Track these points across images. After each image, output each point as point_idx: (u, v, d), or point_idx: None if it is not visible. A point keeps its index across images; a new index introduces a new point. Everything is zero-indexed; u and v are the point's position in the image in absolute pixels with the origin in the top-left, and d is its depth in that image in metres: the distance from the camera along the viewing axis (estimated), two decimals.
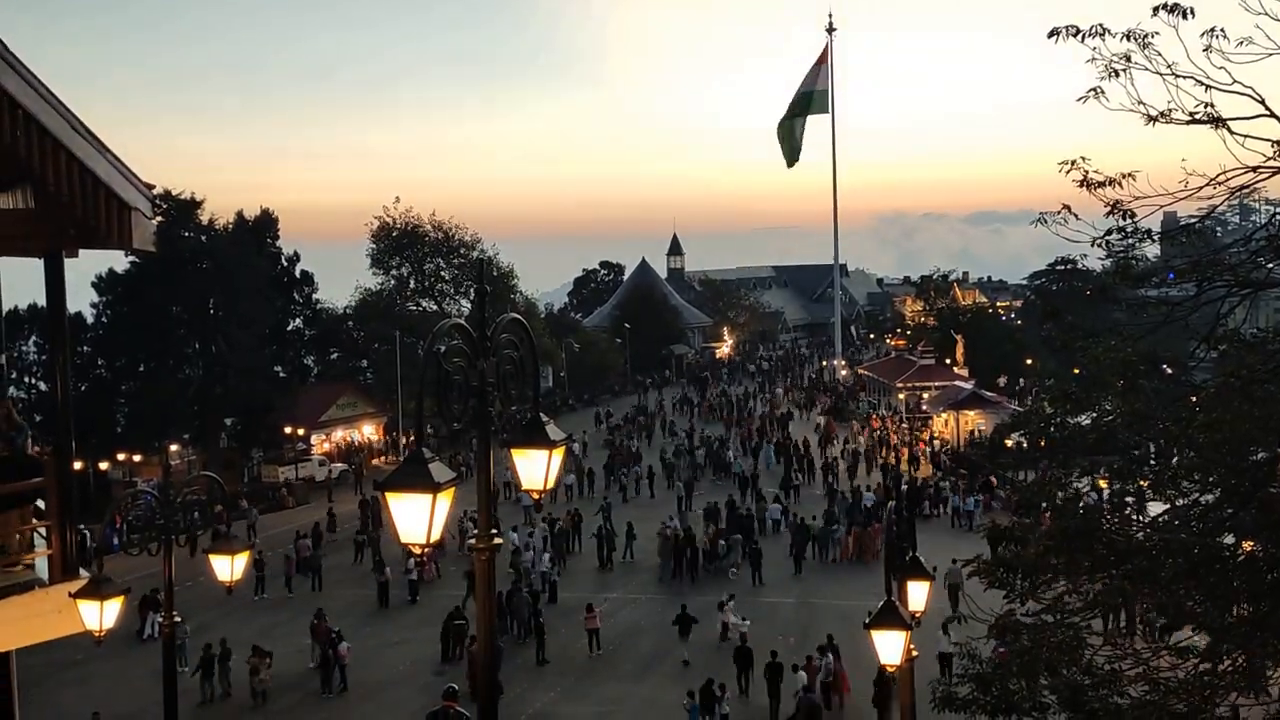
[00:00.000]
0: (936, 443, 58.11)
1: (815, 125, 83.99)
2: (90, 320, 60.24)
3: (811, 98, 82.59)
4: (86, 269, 61.01)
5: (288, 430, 61.12)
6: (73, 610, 10.70)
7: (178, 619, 13.24)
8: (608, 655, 29.58)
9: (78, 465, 13.11)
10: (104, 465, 54.20)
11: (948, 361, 69.45)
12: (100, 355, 60.33)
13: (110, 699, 27.39)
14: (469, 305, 70.73)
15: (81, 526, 12.61)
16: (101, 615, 10.86)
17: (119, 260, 58.11)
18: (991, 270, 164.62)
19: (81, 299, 58.90)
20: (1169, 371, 13.96)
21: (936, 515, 43.45)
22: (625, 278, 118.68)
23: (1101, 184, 10.95)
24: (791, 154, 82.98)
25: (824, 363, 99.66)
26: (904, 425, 61.72)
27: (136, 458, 55.48)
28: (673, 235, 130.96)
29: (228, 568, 12.62)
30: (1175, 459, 12.96)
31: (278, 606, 35.59)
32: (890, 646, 12.48)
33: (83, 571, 11.05)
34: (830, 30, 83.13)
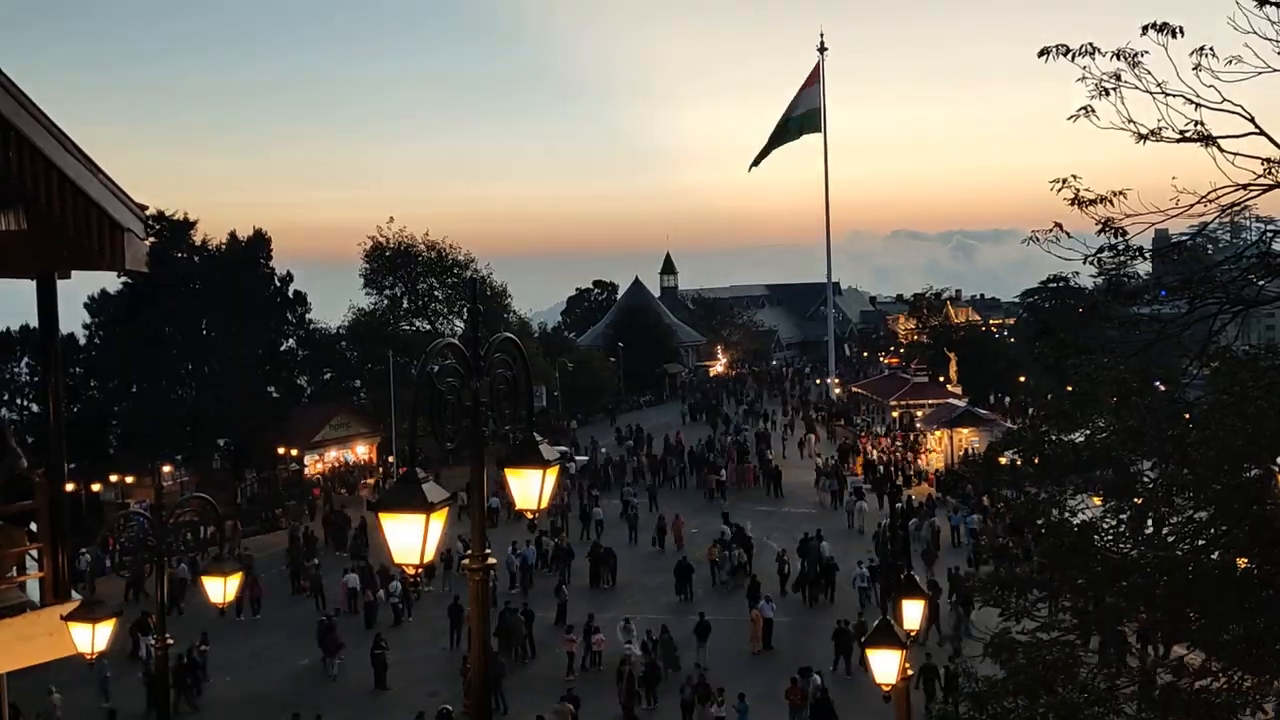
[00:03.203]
0: (932, 458, 58.17)
1: (806, 144, 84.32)
2: (83, 341, 60.12)
3: (803, 120, 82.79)
4: (79, 290, 60.93)
5: (281, 451, 60.95)
6: (64, 633, 10.63)
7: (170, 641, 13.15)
8: (605, 675, 29.43)
9: (70, 486, 13.04)
10: (96, 487, 53.96)
11: (941, 379, 69.50)
12: (92, 376, 60.20)
13: None
14: (462, 325, 70.57)
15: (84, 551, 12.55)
16: (93, 638, 10.79)
17: (112, 281, 58.08)
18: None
19: (74, 320, 58.87)
20: (1162, 388, 13.99)
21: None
22: (619, 297, 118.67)
23: (1092, 202, 10.99)
24: (756, 161, 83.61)
25: (818, 380, 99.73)
26: (898, 444, 61.69)
27: (129, 479, 55.20)
28: (666, 254, 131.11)
29: (220, 590, 12.56)
30: (1168, 476, 12.97)
31: (271, 628, 35.41)
32: (886, 665, 12.46)
33: (74, 594, 10.99)
34: (821, 50, 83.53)
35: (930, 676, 24.89)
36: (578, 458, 58.72)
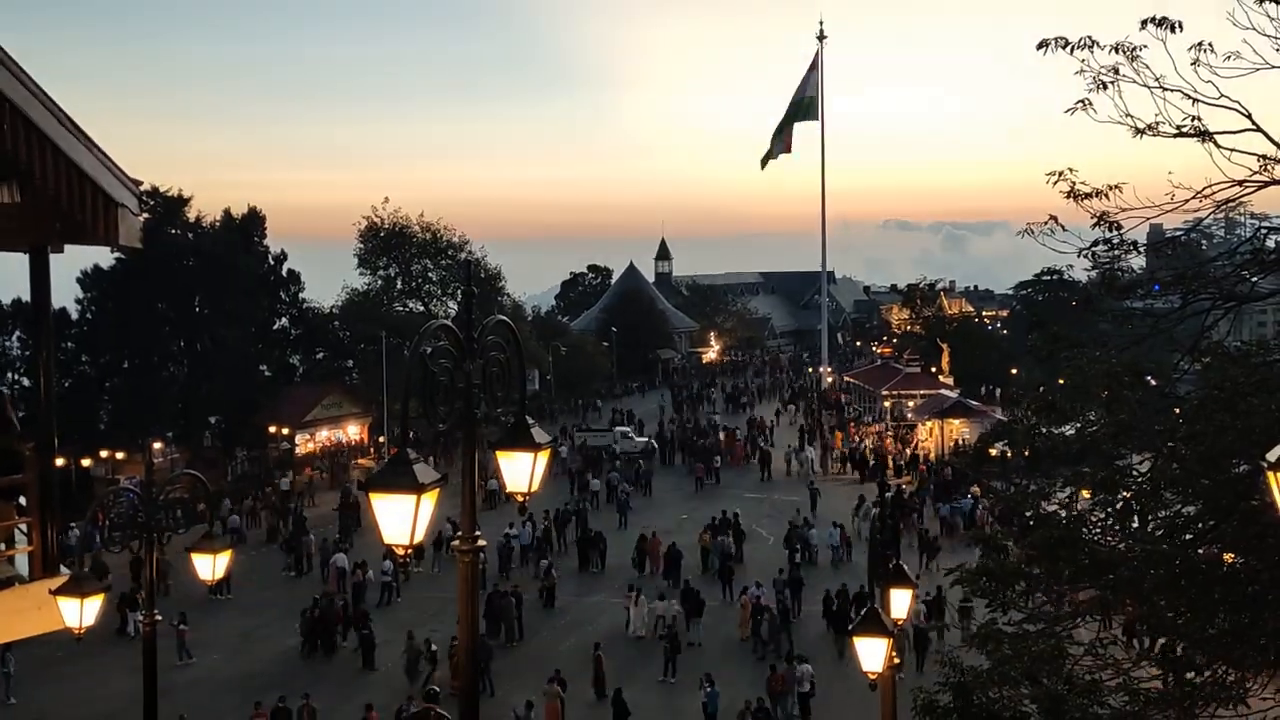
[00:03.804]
0: (922, 450, 58.25)
1: (804, 132, 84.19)
2: (75, 316, 59.97)
3: (802, 104, 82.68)
4: (72, 265, 60.74)
5: (272, 429, 60.92)
6: (52, 607, 10.62)
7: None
8: (590, 657, 29.59)
9: (60, 461, 13.02)
10: (87, 462, 53.90)
11: (933, 370, 69.58)
12: (84, 351, 60.06)
13: (91, 697, 27.33)
14: (456, 307, 70.50)
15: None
16: (81, 613, 10.78)
17: (105, 256, 57.87)
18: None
19: (66, 295, 58.71)
20: (1153, 383, 14.02)
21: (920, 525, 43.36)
22: (613, 281, 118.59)
23: (1088, 195, 11.00)
24: (769, 156, 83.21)
25: (810, 370, 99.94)
26: (889, 434, 61.77)
27: (119, 455, 55.15)
28: (661, 239, 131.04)
29: (209, 566, 12.53)
30: (1157, 470, 13.01)
31: (261, 608, 35.44)
32: (872, 653, 12.51)
33: (63, 568, 10.97)
34: (821, 38, 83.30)
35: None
36: (639, 437, 60.63)
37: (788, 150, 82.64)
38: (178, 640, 30.08)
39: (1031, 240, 11.35)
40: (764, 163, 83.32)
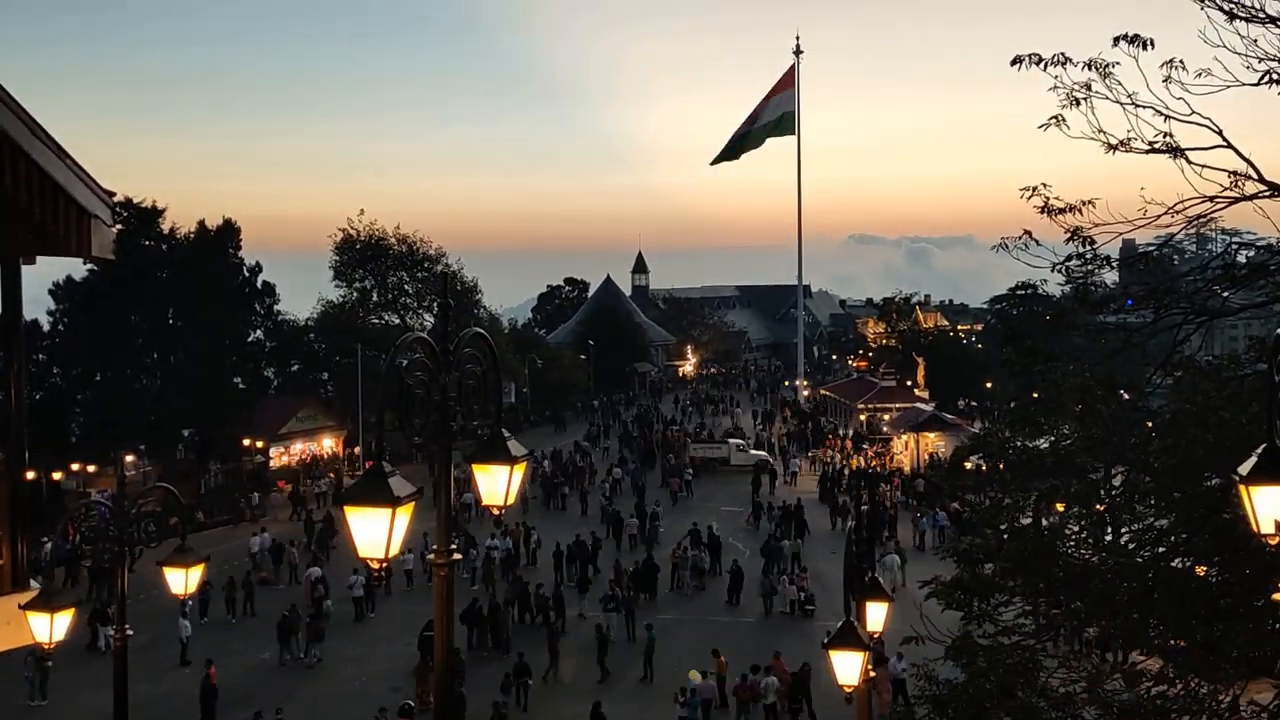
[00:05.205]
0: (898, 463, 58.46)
1: (779, 146, 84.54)
2: (47, 328, 59.48)
3: (776, 124, 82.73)
4: (44, 276, 60.23)
5: (246, 442, 60.50)
6: (21, 622, 10.50)
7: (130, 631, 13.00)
8: (566, 670, 29.49)
9: (31, 474, 12.88)
10: (57, 475, 53.35)
11: (909, 383, 69.87)
12: (56, 364, 59.57)
13: (62, 713, 27.02)
14: (432, 319, 70.36)
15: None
16: (51, 628, 10.67)
17: (77, 268, 57.47)
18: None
19: (38, 306, 58.24)
20: (1126, 397, 14.12)
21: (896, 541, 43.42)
22: (590, 294, 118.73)
23: (1061, 210, 11.08)
24: (723, 156, 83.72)
25: (786, 383, 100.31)
26: (866, 448, 61.93)
27: (91, 468, 54.64)
28: (638, 253, 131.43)
29: (182, 581, 12.43)
30: (1130, 483, 13.10)
31: (230, 626, 35.11)
32: (848, 667, 12.53)
33: (33, 583, 10.85)
34: (797, 53, 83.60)
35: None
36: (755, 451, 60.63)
37: (721, 160, 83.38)
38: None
39: (996, 255, 11.42)
40: (715, 160, 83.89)
